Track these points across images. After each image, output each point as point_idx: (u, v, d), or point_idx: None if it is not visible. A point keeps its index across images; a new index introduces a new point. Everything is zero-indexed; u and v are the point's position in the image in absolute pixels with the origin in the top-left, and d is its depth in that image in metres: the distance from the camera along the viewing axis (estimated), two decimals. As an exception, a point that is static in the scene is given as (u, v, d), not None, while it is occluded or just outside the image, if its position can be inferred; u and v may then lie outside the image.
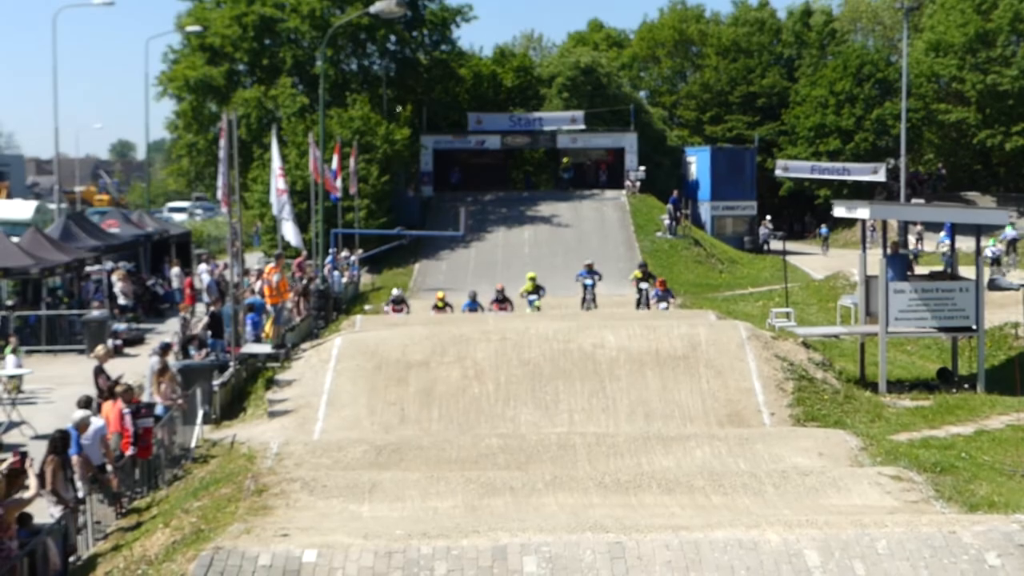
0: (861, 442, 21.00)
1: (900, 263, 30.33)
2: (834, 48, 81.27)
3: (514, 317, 31.75)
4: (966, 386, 28.03)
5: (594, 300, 37.17)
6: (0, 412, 24.10)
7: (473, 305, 34.31)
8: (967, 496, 16.99)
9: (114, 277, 38.88)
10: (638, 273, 36.95)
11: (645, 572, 12.34)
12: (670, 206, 57.49)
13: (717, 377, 25.35)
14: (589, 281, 37.51)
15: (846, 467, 18.90)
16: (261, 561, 12.26)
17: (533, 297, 35.37)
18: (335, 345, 27.69)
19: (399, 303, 36.34)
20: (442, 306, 35.09)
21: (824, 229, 63.31)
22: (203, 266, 42.02)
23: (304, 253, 41.68)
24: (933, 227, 49.87)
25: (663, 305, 34.84)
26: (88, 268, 38.85)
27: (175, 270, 44.23)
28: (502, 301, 34.97)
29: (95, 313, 34.47)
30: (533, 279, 35.99)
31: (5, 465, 16.43)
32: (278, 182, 35.02)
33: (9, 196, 77.81)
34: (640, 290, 36.12)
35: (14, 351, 28.45)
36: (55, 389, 26.87)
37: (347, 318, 34.86)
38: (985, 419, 24.62)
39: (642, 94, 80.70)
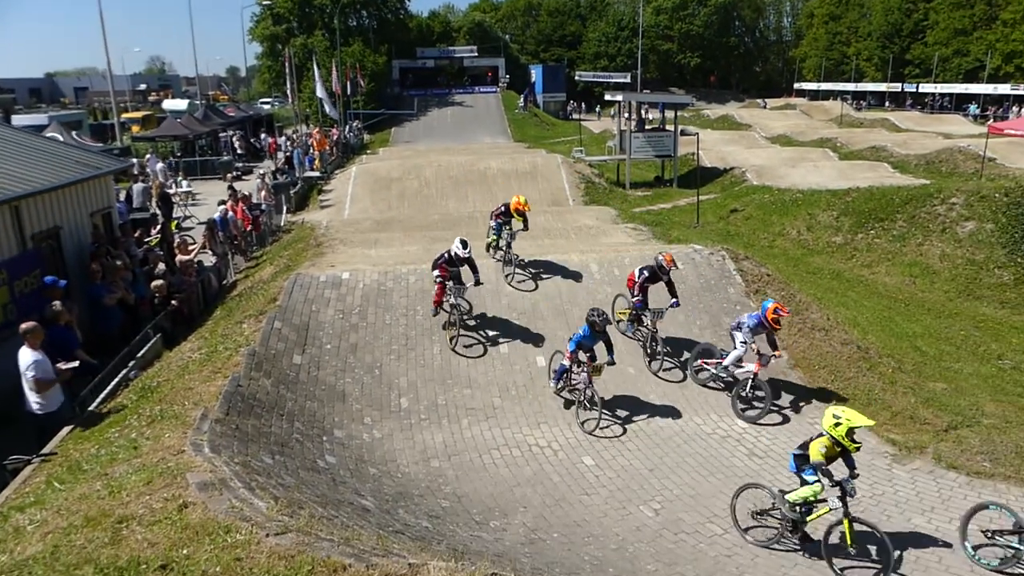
0: (618, 213, 21.25)
1: (638, 124, 30.12)
2: (605, 9, 79.26)
3: (444, 152, 30.62)
4: (668, 184, 28.35)
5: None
6: (180, 211, 23.18)
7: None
8: (669, 237, 17.36)
9: (234, 138, 37.05)
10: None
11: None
12: (521, 97, 56.20)
13: (546, 182, 25.29)
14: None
15: (611, 224, 19.15)
16: (321, 279, 12.10)
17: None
18: (352, 172, 26.88)
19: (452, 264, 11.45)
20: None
21: (599, 108, 62.56)
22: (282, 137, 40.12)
23: (336, 126, 40.07)
24: (654, 105, 49.41)
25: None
26: (220, 134, 36.96)
27: (264, 135, 42.05)
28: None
29: (225, 158, 33.24)
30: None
31: (183, 237, 15.93)
32: (318, 87, 35.04)
33: (173, 97, 74.55)
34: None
35: (184, 179, 27.67)
36: (207, 198, 25.80)
37: (357, 157, 33.64)
38: (677, 201, 25.04)
39: (507, 36, 77.48)
